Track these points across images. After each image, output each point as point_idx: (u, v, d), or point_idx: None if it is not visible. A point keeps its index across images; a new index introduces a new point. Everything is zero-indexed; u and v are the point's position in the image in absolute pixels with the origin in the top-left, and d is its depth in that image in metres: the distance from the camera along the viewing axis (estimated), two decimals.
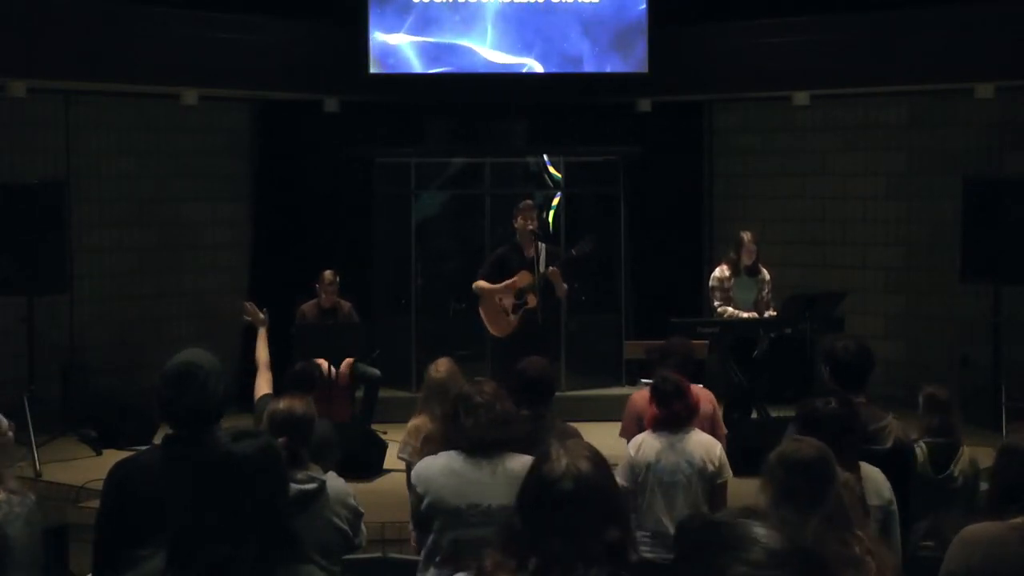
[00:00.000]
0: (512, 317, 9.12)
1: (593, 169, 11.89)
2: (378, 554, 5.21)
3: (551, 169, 11.81)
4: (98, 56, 10.12)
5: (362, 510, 4.62)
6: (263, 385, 5.52)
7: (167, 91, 10.83)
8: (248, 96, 11.50)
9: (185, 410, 3.83)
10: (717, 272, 10.12)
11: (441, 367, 6.21)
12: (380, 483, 8.29)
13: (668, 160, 11.72)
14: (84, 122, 10.65)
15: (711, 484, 5.66)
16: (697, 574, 1.87)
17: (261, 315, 6.17)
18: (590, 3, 11.37)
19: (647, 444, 5.73)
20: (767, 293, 10.08)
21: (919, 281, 11.19)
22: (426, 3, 11.27)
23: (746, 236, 10.05)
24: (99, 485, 4.32)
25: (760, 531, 1.84)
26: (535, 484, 2.68)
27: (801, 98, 11.37)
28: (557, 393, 5.98)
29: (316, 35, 11.36)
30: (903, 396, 7.22)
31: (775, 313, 9.82)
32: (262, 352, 5.81)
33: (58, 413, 9.49)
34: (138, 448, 5.44)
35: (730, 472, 5.74)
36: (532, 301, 9.04)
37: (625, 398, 7.21)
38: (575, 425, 5.67)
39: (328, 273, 9.82)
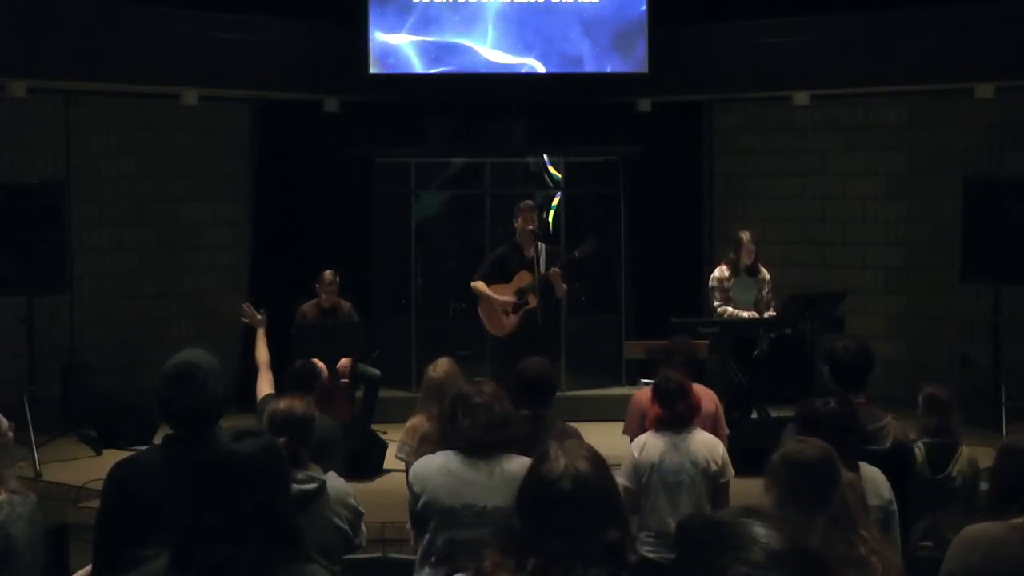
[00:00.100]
0: (512, 317, 9.12)
1: (593, 169, 11.88)
2: (378, 554, 5.22)
3: (551, 169, 11.81)
4: (98, 56, 10.12)
5: (362, 510, 4.62)
6: (265, 385, 5.53)
7: (167, 91, 10.83)
8: (248, 96, 11.50)
9: (185, 410, 3.83)
10: (717, 272, 10.11)
11: (440, 367, 6.21)
12: (380, 483, 8.30)
13: (668, 160, 11.71)
14: (84, 122, 10.65)
15: (714, 484, 5.66)
16: (697, 574, 1.87)
17: (259, 316, 6.18)
18: (590, 3, 11.37)
19: (650, 444, 5.73)
20: (767, 293, 10.08)
21: (919, 281, 11.19)
22: (426, 3, 11.27)
23: (745, 236, 10.04)
24: (99, 485, 4.32)
25: (760, 531, 1.84)
26: (534, 484, 2.68)
27: (801, 98, 11.37)
28: (557, 393, 5.96)
29: (316, 35, 11.36)
30: (903, 396, 7.20)
31: (775, 313, 9.82)
32: (262, 352, 5.81)
33: (58, 413, 9.49)
34: (138, 448, 5.45)
35: (732, 471, 5.74)
36: (532, 301, 9.03)
37: (625, 398, 7.22)
38: (575, 425, 5.65)
39: (328, 273, 9.81)
